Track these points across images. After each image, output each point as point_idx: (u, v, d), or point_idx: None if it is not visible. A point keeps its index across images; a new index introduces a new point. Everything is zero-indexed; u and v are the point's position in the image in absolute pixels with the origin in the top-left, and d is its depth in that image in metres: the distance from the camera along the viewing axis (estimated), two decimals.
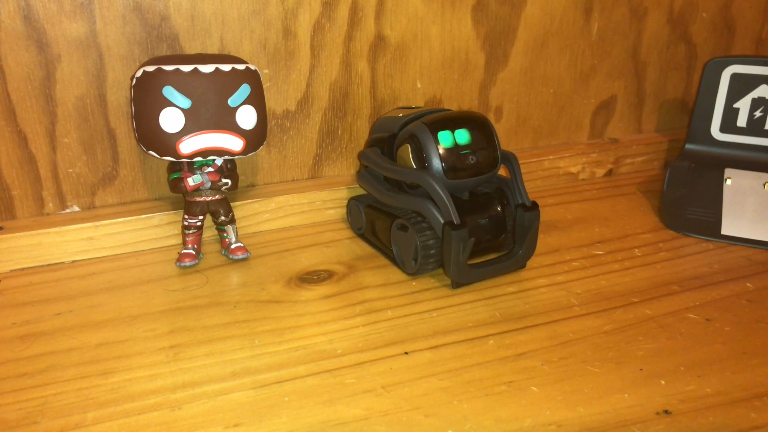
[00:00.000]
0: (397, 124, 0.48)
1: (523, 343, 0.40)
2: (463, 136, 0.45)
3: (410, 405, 0.35)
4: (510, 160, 0.47)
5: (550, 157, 0.62)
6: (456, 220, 0.43)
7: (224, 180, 0.47)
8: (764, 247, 0.50)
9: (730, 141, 0.59)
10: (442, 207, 0.44)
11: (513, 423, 0.34)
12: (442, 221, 0.44)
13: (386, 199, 0.48)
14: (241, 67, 0.45)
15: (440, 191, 0.43)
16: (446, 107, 0.58)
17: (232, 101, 0.44)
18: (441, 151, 0.44)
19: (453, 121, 0.45)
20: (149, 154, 0.45)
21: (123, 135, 0.50)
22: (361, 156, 0.51)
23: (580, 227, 0.54)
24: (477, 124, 0.46)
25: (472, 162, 0.45)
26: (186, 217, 0.48)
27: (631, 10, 0.61)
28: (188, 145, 0.44)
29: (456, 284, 0.45)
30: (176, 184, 0.47)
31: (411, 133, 0.45)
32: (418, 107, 0.51)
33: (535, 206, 0.46)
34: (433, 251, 0.45)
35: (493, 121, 0.61)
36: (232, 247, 0.49)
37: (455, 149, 0.44)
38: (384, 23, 0.53)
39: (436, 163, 0.44)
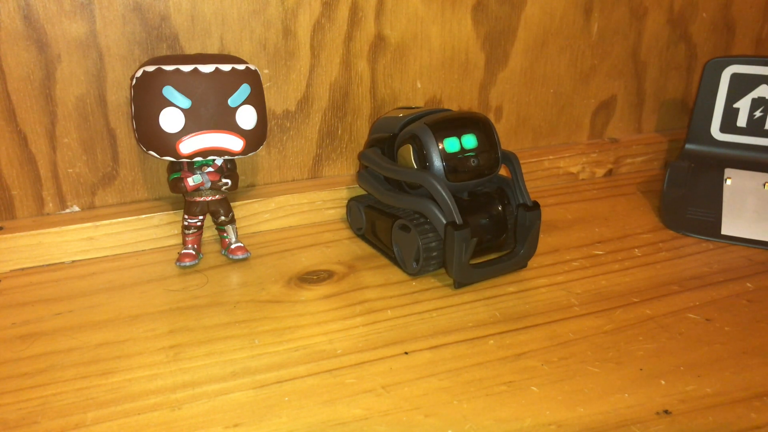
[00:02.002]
0: (398, 124, 0.48)
1: (523, 343, 0.40)
2: (466, 140, 0.45)
3: (410, 405, 0.35)
4: (511, 160, 0.47)
5: (550, 157, 0.62)
6: (458, 220, 0.43)
7: (224, 180, 0.47)
8: (764, 247, 0.50)
9: (730, 141, 0.59)
10: (444, 207, 0.44)
11: (513, 423, 0.34)
12: (445, 221, 0.44)
13: (387, 199, 0.48)
14: (241, 67, 0.45)
15: (442, 191, 0.43)
16: (446, 107, 0.58)
17: (232, 101, 0.44)
18: (443, 152, 0.44)
19: (457, 124, 0.45)
20: (149, 154, 0.45)
21: (123, 135, 0.50)
22: (361, 156, 0.51)
23: (580, 227, 0.54)
24: (480, 126, 0.46)
25: (473, 165, 0.45)
26: (186, 217, 0.48)
27: (631, 10, 0.61)
28: (188, 145, 0.44)
29: (458, 284, 0.46)
30: (176, 184, 0.47)
31: (412, 133, 0.45)
32: (418, 107, 0.51)
33: (536, 206, 0.46)
34: (435, 252, 0.45)
35: (493, 121, 0.61)
36: (232, 247, 0.49)
37: (458, 151, 0.44)
38: (384, 23, 0.53)
39: (438, 164, 0.44)
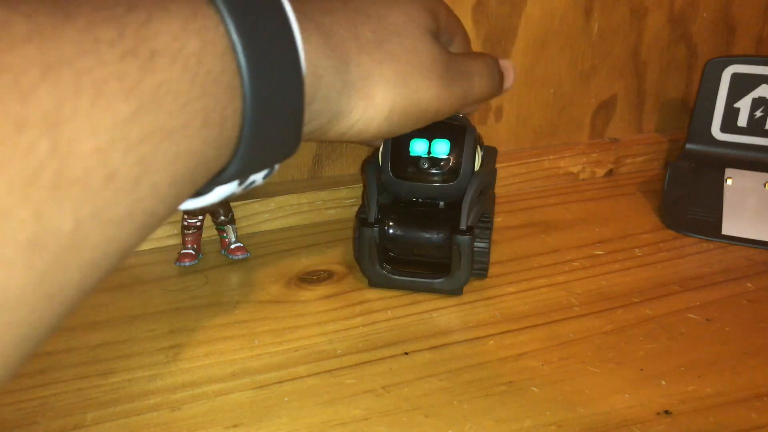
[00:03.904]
0: None
1: (523, 343, 0.40)
2: (437, 146, 0.43)
3: (410, 405, 0.35)
4: (475, 174, 0.44)
5: (550, 157, 0.62)
6: (371, 218, 0.43)
7: None
8: (765, 247, 0.50)
9: (730, 141, 0.59)
10: (367, 201, 0.44)
11: (513, 423, 0.34)
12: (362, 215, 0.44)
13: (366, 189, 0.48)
14: None
15: (371, 184, 0.43)
16: None
17: None
18: (396, 150, 0.43)
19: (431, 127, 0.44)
20: None
21: None
22: None
23: (580, 227, 0.54)
24: (452, 133, 0.43)
25: (423, 166, 0.43)
26: (185, 217, 0.48)
27: (631, 10, 0.61)
28: None
29: (370, 282, 0.45)
30: None
31: None
32: None
33: (468, 231, 0.42)
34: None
35: (493, 121, 0.60)
36: (232, 247, 0.49)
37: (413, 153, 0.43)
38: None
39: (386, 162, 0.44)
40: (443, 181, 0.43)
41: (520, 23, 0.58)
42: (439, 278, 0.44)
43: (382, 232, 0.43)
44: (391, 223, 0.44)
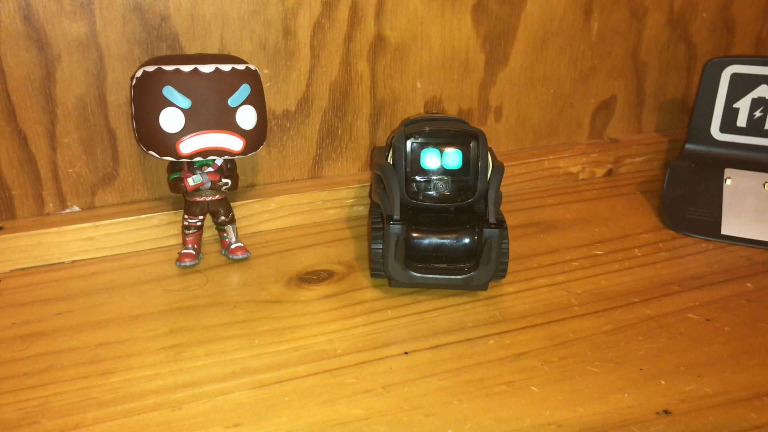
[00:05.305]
0: (407, 122, 0.48)
1: (522, 343, 0.40)
2: (441, 158, 0.44)
3: (410, 405, 0.35)
4: (493, 172, 0.44)
5: (550, 157, 0.62)
6: (396, 214, 0.42)
7: (224, 180, 0.47)
8: (764, 247, 0.50)
9: (729, 141, 0.59)
10: (390, 199, 0.43)
11: (513, 423, 0.34)
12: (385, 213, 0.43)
13: (374, 192, 0.48)
14: (241, 67, 0.45)
15: (392, 182, 0.43)
16: (446, 107, 0.58)
17: (232, 101, 0.44)
18: (410, 169, 0.44)
19: (436, 140, 0.44)
20: (149, 154, 0.45)
21: (123, 135, 0.50)
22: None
23: (580, 227, 0.54)
24: (462, 148, 0.44)
25: (439, 187, 0.44)
26: (186, 217, 0.48)
27: (631, 10, 0.61)
28: (188, 145, 0.44)
29: (392, 281, 0.44)
30: (176, 184, 0.47)
31: (392, 137, 0.46)
32: (438, 113, 0.52)
33: (499, 224, 0.42)
34: (381, 260, 0.44)
35: (492, 121, 0.61)
36: (232, 247, 0.49)
37: (429, 171, 0.44)
38: (384, 23, 0.53)
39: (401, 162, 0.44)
40: (461, 200, 0.44)
41: (520, 23, 0.58)
42: (466, 274, 0.43)
43: (407, 231, 0.43)
44: (413, 225, 0.44)
